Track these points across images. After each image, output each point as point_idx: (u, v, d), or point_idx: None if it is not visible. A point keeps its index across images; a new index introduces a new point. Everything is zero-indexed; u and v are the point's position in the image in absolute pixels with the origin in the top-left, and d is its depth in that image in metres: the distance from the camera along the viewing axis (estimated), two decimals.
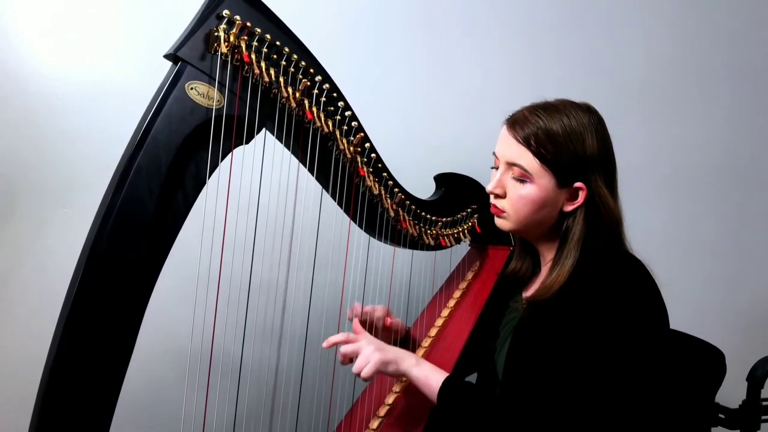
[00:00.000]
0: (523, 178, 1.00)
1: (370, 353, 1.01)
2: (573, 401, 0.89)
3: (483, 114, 1.50)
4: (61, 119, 1.35)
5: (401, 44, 1.59)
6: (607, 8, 1.77)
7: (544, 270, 1.09)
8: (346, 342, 1.04)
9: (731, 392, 1.27)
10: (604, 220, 1.00)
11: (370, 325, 1.18)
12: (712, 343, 1.23)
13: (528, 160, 0.99)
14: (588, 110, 1.02)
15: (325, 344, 1.03)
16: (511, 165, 1.02)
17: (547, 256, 1.08)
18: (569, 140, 0.98)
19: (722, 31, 1.88)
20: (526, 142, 0.99)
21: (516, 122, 1.02)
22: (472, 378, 1.23)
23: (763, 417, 1.26)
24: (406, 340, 1.27)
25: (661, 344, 0.94)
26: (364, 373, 1.00)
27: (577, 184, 1.00)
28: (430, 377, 1.00)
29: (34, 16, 1.33)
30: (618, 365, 0.89)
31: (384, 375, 1.06)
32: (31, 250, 1.36)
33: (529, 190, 1.00)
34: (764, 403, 1.25)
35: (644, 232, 1.82)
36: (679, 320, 1.24)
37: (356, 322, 1.09)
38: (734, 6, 1.89)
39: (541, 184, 0.99)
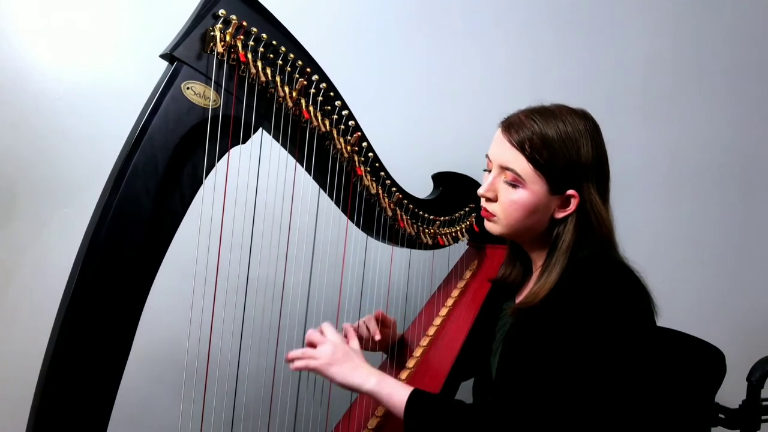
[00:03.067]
0: (516, 182, 0.98)
1: (321, 353, 0.98)
2: (558, 410, 0.88)
3: (483, 114, 1.49)
4: (61, 119, 1.36)
5: (401, 44, 1.59)
6: (607, 9, 1.77)
7: (534, 276, 1.07)
8: (314, 339, 1.02)
9: (731, 392, 1.26)
10: (594, 228, 0.98)
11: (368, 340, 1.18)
12: (712, 343, 1.23)
13: (521, 164, 0.97)
14: (584, 116, 1.00)
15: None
16: (504, 169, 1.00)
17: (538, 261, 1.07)
18: (564, 146, 0.96)
19: (722, 32, 1.87)
20: (521, 147, 0.97)
21: (511, 125, 0.99)
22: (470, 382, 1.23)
23: (763, 417, 1.25)
24: (402, 342, 1.27)
25: (646, 348, 0.92)
26: (294, 365, 0.99)
27: (570, 192, 0.98)
28: (394, 394, 0.95)
29: (34, 16, 1.34)
30: (602, 371, 0.88)
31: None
32: (31, 250, 1.37)
33: (521, 195, 0.98)
34: (764, 403, 1.25)
35: (644, 232, 1.84)
36: (679, 320, 1.24)
37: (348, 327, 1.10)
38: (734, 6, 1.88)
39: (533, 189, 0.98)
